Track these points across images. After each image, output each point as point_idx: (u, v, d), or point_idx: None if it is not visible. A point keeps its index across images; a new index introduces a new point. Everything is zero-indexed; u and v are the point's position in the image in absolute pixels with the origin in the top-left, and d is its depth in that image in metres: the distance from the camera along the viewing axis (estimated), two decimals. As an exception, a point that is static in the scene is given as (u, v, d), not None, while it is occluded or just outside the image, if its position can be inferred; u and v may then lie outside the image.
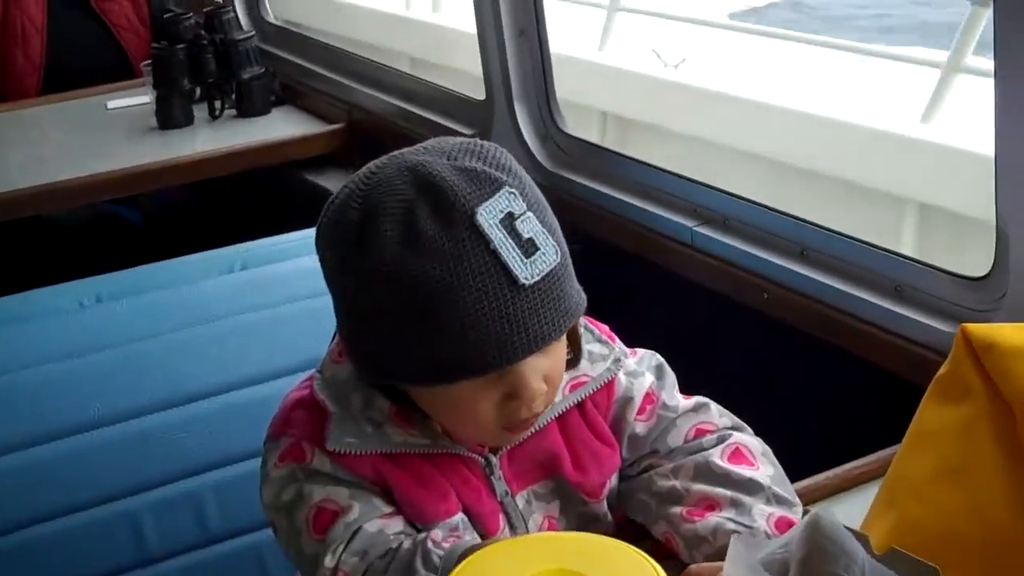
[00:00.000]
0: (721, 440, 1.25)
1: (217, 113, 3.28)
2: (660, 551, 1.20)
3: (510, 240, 1.07)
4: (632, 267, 2.21)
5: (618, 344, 1.28)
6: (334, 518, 1.15)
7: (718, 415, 1.29)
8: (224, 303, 1.70)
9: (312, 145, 3.20)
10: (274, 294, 1.73)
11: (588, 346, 1.25)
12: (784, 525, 1.16)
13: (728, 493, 1.19)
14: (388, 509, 1.17)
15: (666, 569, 0.94)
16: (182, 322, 1.67)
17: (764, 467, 1.23)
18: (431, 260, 1.06)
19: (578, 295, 1.14)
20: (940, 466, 1.10)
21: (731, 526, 1.16)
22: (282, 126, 3.27)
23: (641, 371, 1.30)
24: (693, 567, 1.16)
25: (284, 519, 1.19)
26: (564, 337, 1.16)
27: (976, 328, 1.13)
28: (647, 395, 1.28)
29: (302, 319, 1.70)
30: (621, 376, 1.28)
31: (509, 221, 1.08)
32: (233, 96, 3.30)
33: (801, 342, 1.84)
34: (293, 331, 1.69)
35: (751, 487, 1.20)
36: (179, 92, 3.21)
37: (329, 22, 6.37)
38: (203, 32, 3.29)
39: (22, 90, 3.64)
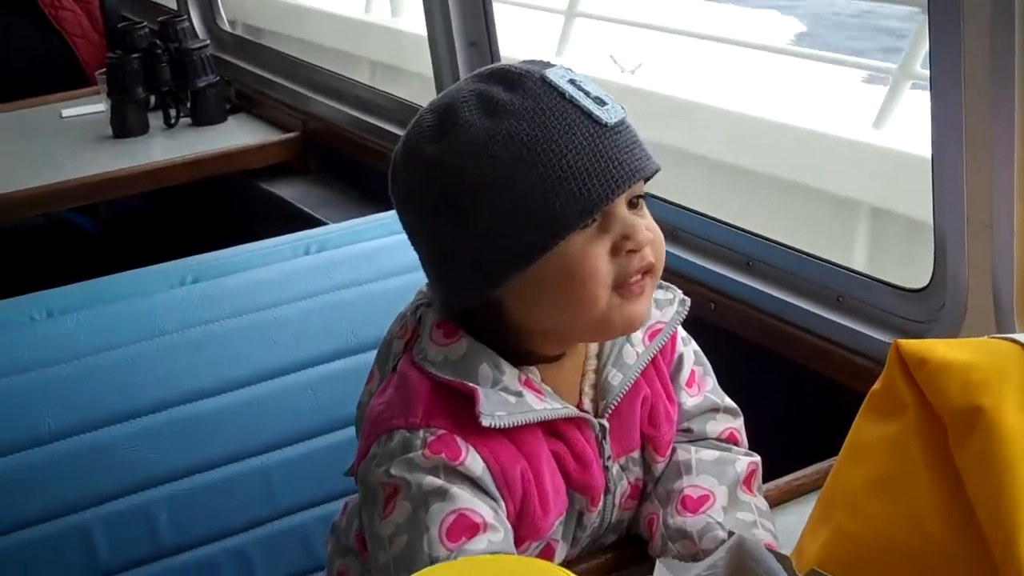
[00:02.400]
0: (748, 455, 1.31)
1: (172, 122, 3.28)
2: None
3: (581, 93, 1.13)
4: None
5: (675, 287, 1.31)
6: (476, 530, 1.11)
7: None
8: (175, 317, 1.70)
9: (267, 154, 3.21)
10: (225, 307, 1.72)
11: (654, 294, 1.26)
12: None
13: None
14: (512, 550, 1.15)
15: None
16: (133, 336, 1.66)
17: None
18: (517, 120, 1.10)
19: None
20: (874, 479, 1.12)
21: (721, 533, 1.20)
22: (237, 134, 3.28)
23: (690, 340, 1.34)
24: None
25: (407, 507, 1.12)
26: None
27: (909, 344, 1.15)
28: (691, 370, 1.33)
29: (252, 332, 1.71)
30: (680, 336, 1.32)
31: (574, 83, 1.14)
32: (188, 105, 3.30)
33: (748, 351, 1.87)
34: (244, 344, 1.70)
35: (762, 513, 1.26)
36: (134, 101, 3.21)
37: (289, 26, 6.38)
38: (158, 41, 3.29)
39: (-26, 98, 3.63)
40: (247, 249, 1.87)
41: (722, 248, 1.98)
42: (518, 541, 1.17)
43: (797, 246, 1.88)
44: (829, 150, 4.01)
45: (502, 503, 1.15)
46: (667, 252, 1.96)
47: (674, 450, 1.30)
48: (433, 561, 1.09)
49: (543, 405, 1.17)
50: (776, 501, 1.36)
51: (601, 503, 1.24)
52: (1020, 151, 1.43)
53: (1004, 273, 1.48)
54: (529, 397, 1.17)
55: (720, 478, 1.27)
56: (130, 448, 1.61)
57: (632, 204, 1.15)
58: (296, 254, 1.86)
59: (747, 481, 1.28)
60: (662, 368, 1.30)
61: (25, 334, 1.64)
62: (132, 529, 1.59)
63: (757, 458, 1.31)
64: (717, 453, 1.30)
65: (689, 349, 1.34)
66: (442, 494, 1.12)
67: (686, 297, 1.30)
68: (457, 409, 1.15)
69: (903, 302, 1.69)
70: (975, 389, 1.09)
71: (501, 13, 2.55)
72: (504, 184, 1.10)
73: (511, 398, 1.15)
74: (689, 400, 1.32)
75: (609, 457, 1.24)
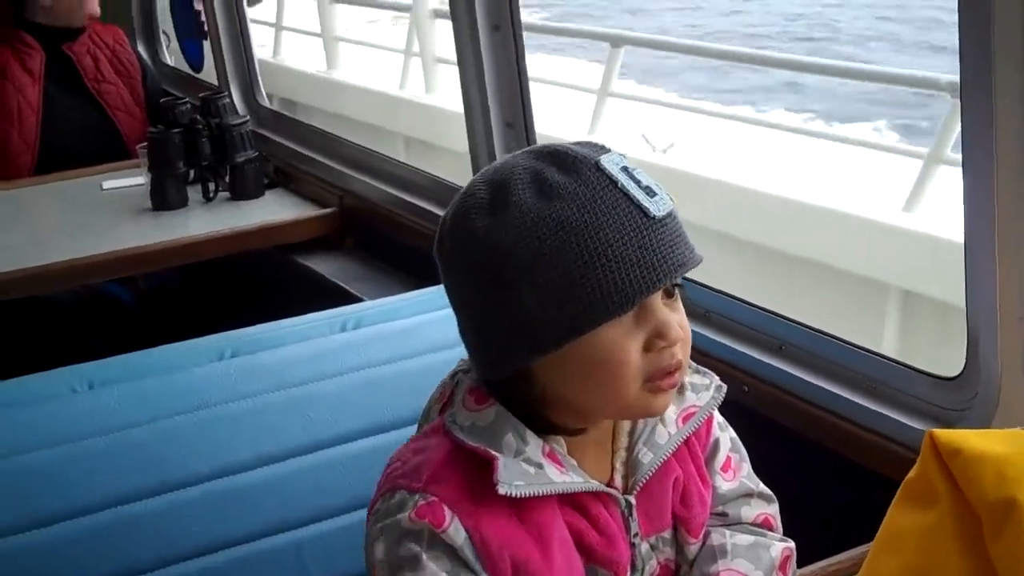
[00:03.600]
0: (782, 541, 1.32)
1: (211, 195, 3.32)
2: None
3: (632, 182, 1.15)
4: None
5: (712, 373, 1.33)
6: None
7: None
8: (213, 391, 1.72)
9: (304, 229, 3.24)
10: (262, 382, 1.75)
11: (690, 378, 1.30)
12: None
13: None
14: None
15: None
16: (171, 409, 1.68)
17: None
18: (567, 203, 1.13)
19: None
20: (906, 570, 1.12)
21: None
22: (275, 209, 3.32)
23: (725, 425, 1.36)
24: None
25: (386, 570, 1.18)
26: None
27: (943, 434, 1.16)
28: (727, 456, 1.35)
29: (289, 407, 1.73)
30: (716, 421, 1.34)
31: (627, 171, 1.16)
32: (227, 179, 3.35)
33: (780, 435, 1.88)
34: (280, 419, 1.71)
35: None
36: (173, 175, 3.26)
37: (326, 101, 6.47)
38: (199, 116, 3.34)
39: (16, 169, 3.69)
40: (285, 325, 1.90)
41: (755, 331, 1.99)
42: None
43: (828, 331, 1.89)
44: (859, 233, 4.03)
45: (484, 575, 1.17)
46: (700, 335, 2.02)
47: (708, 533, 1.31)
48: None
49: (563, 478, 1.19)
50: (810, 587, 1.36)
51: None
52: (1053, 243, 1.45)
53: (1037, 364, 1.49)
54: (550, 469, 1.19)
55: (756, 563, 1.28)
56: (165, 521, 1.62)
57: (668, 293, 1.18)
58: (333, 330, 1.88)
59: (782, 567, 1.29)
60: (696, 451, 1.32)
61: (67, 406, 1.66)
62: (167, 602, 1.60)
63: (791, 544, 1.32)
64: (752, 538, 1.31)
65: (725, 435, 1.36)
66: (414, 562, 1.16)
67: (722, 384, 1.32)
68: (469, 477, 1.18)
69: (936, 390, 1.69)
70: (1010, 482, 1.09)
71: (536, 91, 2.60)
72: (548, 266, 1.12)
73: (531, 469, 1.18)
74: (725, 484, 1.33)
75: (636, 534, 1.25)
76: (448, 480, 1.18)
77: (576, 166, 1.15)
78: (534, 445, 1.19)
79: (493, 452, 1.17)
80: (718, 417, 1.35)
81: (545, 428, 1.21)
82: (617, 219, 1.12)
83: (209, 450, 1.67)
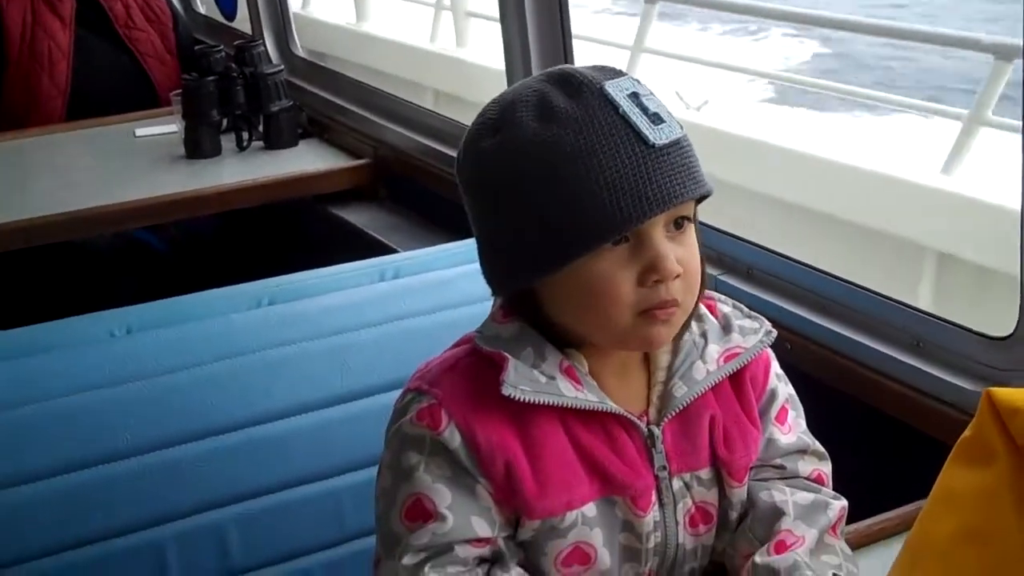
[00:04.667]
0: (837, 499, 1.31)
1: (245, 144, 3.31)
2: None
3: (637, 109, 1.14)
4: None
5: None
6: (427, 518, 1.17)
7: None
8: (251, 338, 1.71)
9: (337, 179, 3.23)
10: (300, 330, 1.73)
11: (739, 321, 1.30)
12: None
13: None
14: (484, 534, 1.18)
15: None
16: (209, 356, 1.68)
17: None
18: (565, 127, 1.13)
19: (705, 176, 1.18)
20: (963, 529, 1.11)
21: (808, 573, 1.21)
22: (308, 159, 3.30)
23: (785, 380, 1.35)
24: None
25: (389, 477, 1.21)
26: (694, 232, 1.19)
27: (1002, 392, 1.14)
28: (783, 407, 1.33)
29: (327, 356, 1.71)
30: (774, 370, 1.33)
31: (635, 97, 1.15)
32: (260, 128, 3.33)
33: (823, 394, 1.84)
34: (318, 367, 1.70)
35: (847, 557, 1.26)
36: (208, 123, 3.25)
37: (356, 54, 6.44)
38: (233, 65, 3.33)
39: (47, 114, 3.69)
40: (323, 273, 1.88)
41: (797, 288, 1.96)
42: (528, 516, 1.19)
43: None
44: (896, 194, 3.99)
45: (481, 479, 1.18)
46: (742, 291, 1.99)
47: (763, 487, 1.29)
48: (396, 534, 1.18)
49: (576, 394, 1.19)
50: (856, 544, 1.35)
51: (655, 513, 1.23)
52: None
53: (1093, 324, 1.47)
54: (563, 383, 1.19)
55: (813, 524, 1.26)
56: (203, 467, 1.61)
57: (677, 226, 1.16)
58: (371, 280, 1.87)
59: (834, 526, 1.27)
60: (748, 395, 1.29)
61: (105, 350, 1.66)
62: (203, 548, 1.60)
63: (845, 503, 1.30)
64: (812, 496, 1.29)
65: (784, 387, 1.34)
66: (409, 475, 1.18)
67: (773, 329, 1.30)
68: (479, 381, 1.19)
69: (985, 350, 1.67)
70: (1070, 441, 1.08)
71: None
72: (542, 189, 1.13)
73: (542, 378, 1.18)
74: (783, 438, 1.32)
75: (664, 468, 1.24)
76: (453, 381, 1.21)
77: (580, 90, 1.15)
78: (552, 360, 1.20)
79: (505, 354, 1.19)
80: (777, 368, 1.34)
81: (565, 344, 1.21)
82: (613, 144, 1.12)
83: (246, 397, 1.66)
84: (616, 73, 1.18)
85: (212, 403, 1.65)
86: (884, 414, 1.78)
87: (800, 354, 1.88)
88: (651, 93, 1.18)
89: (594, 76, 1.16)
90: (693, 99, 4.90)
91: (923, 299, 3.80)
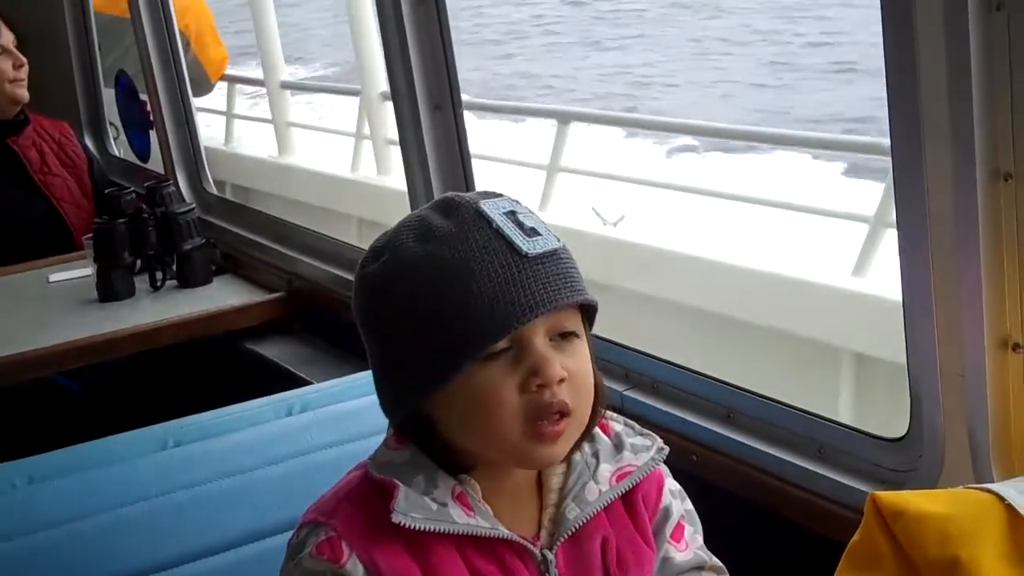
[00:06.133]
0: None
1: (158, 285, 3.30)
2: None
3: (512, 223, 1.18)
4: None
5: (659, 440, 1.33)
6: None
7: None
8: (157, 481, 1.70)
9: (252, 314, 3.23)
10: (206, 470, 1.72)
11: (631, 439, 1.31)
12: None
13: None
14: None
15: None
16: (116, 501, 1.66)
17: None
18: (442, 245, 1.17)
19: (585, 287, 1.20)
20: (853, 634, 1.12)
21: None
22: (223, 296, 3.30)
23: (681, 496, 1.35)
24: None
25: None
26: (586, 343, 1.21)
27: (886, 496, 1.16)
28: (679, 523, 1.33)
29: (234, 495, 1.70)
30: (667, 487, 1.33)
31: (512, 214, 1.19)
32: (174, 267, 3.33)
33: (729, 502, 1.87)
34: (225, 507, 1.69)
35: None
36: (120, 265, 3.24)
37: (280, 186, 6.48)
38: (143, 206, 3.33)
39: (-36, 263, 3.66)
40: (229, 412, 1.88)
41: (702, 400, 1.99)
42: None
43: (777, 398, 1.90)
44: (810, 297, 4.05)
45: None
46: (648, 405, 2.01)
47: None
48: None
49: (467, 520, 1.19)
50: (760, 657, 1.35)
51: None
52: (988, 298, 1.46)
53: (978, 421, 1.50)
54: (455, 510, 1.19)
55: None
56: (111, 617, 1.59)
57: (563, 337, 1.19)
58: (279, 415, 1.87)
59: None
60: (641, 514, 1.30)
61: (6, 502, 1.63)
62: None
63: None
64: None
65: (679, 504, 1.35)
66: None
67: (664, 446, 1.32)
68: (372, 509, 1.19)
69: (882, 452, 1.69)
70: (952, 541, 1.10)
71: (486, 169, 2.61)
72: (421, 306, 1.16)
73: (433, 505, 1.19)
74: (679, 555, 1.32)
75: None
76: (349, 512, 1.21)
77: (458, 210, 1.19)
78: (444, 487, 1.20)
79: (396, 481, 1.19)
80: (672, 485, 1.35)
81: (457, 469, 1.22)
82: (487, 255, 1.16)
83: (153, 542, 1.64)
84: (495, 195, 1.23)
85: (119, 550, 1.63)
86: (791, 521, 1.79)
87: (706, 465, 1.90)
88: (529, 212, 1.22)
89: (472, 198, 1.21)
90: (609, 215, 4.97)
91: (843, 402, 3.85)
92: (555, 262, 1.18)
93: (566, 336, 1.19)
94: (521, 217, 1.19)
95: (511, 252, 1.16)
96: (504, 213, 1.19)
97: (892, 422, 1.77)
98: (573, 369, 1.18)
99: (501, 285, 1.14)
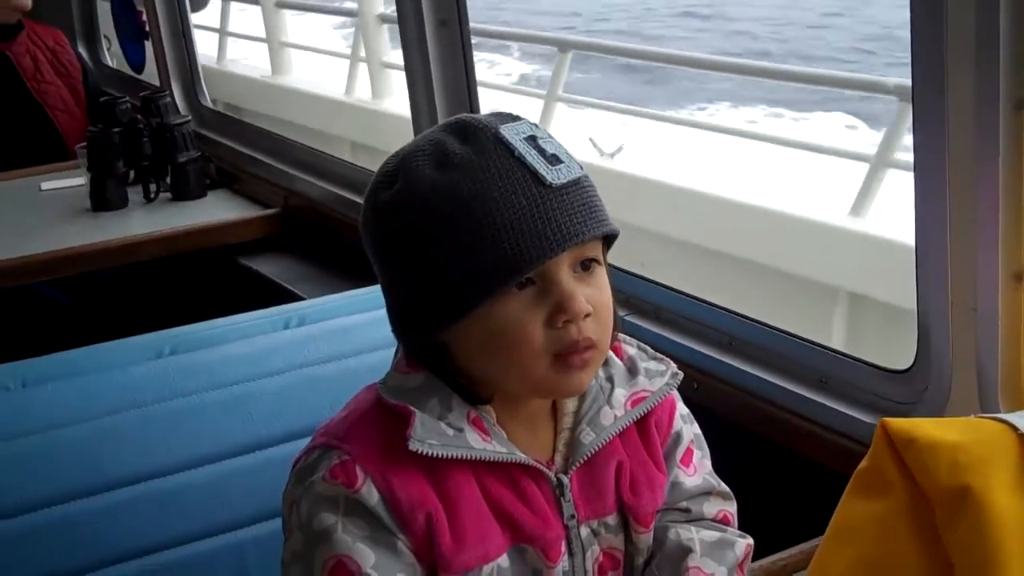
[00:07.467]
0: (743, 537, 1.31)
1: (152, 196, 3.27)
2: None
3: (534, 151, 1.13)
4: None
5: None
6: None
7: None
8: (151, 389, 1.67)
9: (246, 229, 3.21)
10: (201, 380, 1.70)
11: (645, 364, 1.29)
12: None
13: None
14: None
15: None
16: (109, 408, 1.64)
17: None
18: (461, 173, 1.12)
19: (608, 216, 1.16)
20: (860, 561, 1.11)
21: None
22: (217, 210, 3.28)
23: (690, 420, 1.34)
24: None
25: (301, 540, 1.17)
26: (605, 273, 1.18)
27: (896, 423, 1.14)
28: (689, 448, 1.32)
29: (229, 406, 1.68)
30: (679, 413, 1.31)
31: (532, 140, 1.15)
32: (168, 179, 3.30)
33: (730, 432, 1.85)
34: (219, 418, 1.67)
35: None
36: (113, 175, 3.21)
37: (272, 107, 6.42)
38: (139, 116, 3.29)
39: (-47, 168, 3.63)
40: (226, 322, 1.86)
41: (704, 327, 1.97)
42: (445, 571, 1.16)
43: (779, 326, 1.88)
44: (807, 235, 4.04)
45: (401, 536, 1.15)
46: (649, 332, 2.00)
47: (669, 528, 1.28)
48: None
49: (484, 446, 1.17)
50: (759, 582, 1.35)
51: (564, 563, 1.22)
52: (1004, 232, 1.44)
53: (989, 355, 1.49)
54: (471, 435, 1.17)
55: (721, 561, 1.26)
56: (101, 522, 1.57)
57: (584, 267, 1.15)
58: (275, 328, 1.84)
59: (740, 564, 1.27)
60: (653, 438, 1.28)
61: (-1, 404, 1.61)
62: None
63: (751, 540, 1.30)
64: (717, 534, 1.29)
65: (689, 429, 1.33)
66: (326, 536, 1.14)
67: (679, 372, 1.30)
68: (387, 434, 1.16)
69: (886, 383, 1.68)
70: (963, 469, 1.08)
71: (486, 97, 2.58)
72: (440, 236, 1.12)
73: (449, 431, 1.16)
74: (688, 480, 1.31)
75: (572, 516, 1.22)
76: (364, 436, 1.18)
77: (476, 136, 1.15)
78: (459, 411, 1.18)
79: (412, 408, 1.16)
80: (682, 410, 1.33)
81: (473, 397, 1.19)
82: (509, 187, 1.11)
83: (146, 450, 1.62)
84: (513, 118, 1.18)
85: (109, 457, 1.61)
86: (790, 450, 1.79)
87: (707, 393, 1.89)
88: (549, 136, 1.17)
89: (490, 121, 1.16)
90: (607, 145, 4.93)
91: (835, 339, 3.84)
92: (579, 191, 1.14)
93: (587, 265, 1.16)
94: (542, 143, 1.15)
95: (535, 182, 1.11)
96: (524, 139, 1.14)
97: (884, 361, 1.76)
98: (596, 301, 1.15)
99: (526, 218, 1.10)
